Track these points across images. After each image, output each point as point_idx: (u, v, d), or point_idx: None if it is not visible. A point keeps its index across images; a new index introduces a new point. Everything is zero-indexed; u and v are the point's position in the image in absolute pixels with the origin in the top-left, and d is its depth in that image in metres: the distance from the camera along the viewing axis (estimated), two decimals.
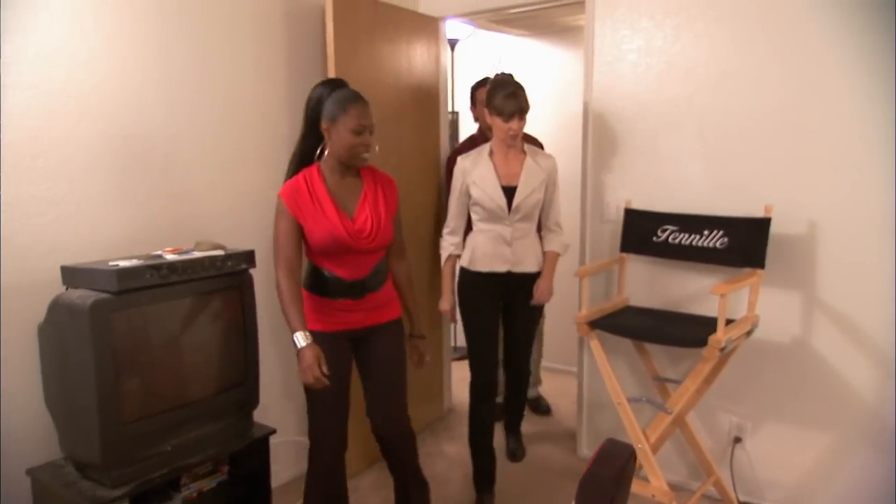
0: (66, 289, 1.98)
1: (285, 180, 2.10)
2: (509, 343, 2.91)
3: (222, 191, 2.64)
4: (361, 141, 1.96)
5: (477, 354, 2.76)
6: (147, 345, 2.11)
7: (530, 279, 2.66)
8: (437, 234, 3.69)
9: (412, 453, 2.30)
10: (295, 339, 1.95)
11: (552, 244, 2.74)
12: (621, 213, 2.92)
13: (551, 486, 2.95)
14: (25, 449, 2.10)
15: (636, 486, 2.54)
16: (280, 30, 2.80)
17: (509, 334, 2.87)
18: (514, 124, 2.46)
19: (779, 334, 2.54)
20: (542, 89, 4.35)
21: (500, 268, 2.61)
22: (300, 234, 2.01)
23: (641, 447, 2.47)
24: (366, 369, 2.24)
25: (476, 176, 2.59)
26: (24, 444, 2.09)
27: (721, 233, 2.59)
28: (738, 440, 2.76)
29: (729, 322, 2.37)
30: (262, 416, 2.44)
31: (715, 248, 2.60)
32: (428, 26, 3.39)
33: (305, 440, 2.67)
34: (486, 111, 2.56)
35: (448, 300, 2.82)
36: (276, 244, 2.03)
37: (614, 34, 2.87)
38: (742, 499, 2.74)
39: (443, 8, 3.44)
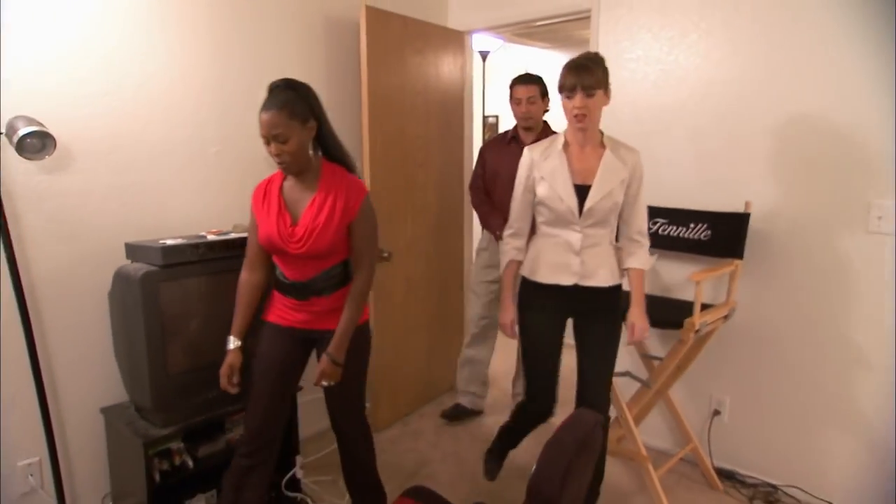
0: (130, 262, 2.11)
1: None
2: (580, 373, 2.18)
3: (257, 180, 2.73)
4: (270, 151, 1.75)
5: (530, 374, 2.25)
6: (189, 310, 2.20)
7: (603, 295, 2.08)
8: (460, 227, 3.74)
9: (368, 452, 2.10)
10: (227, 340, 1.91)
11: (636, 259, 2.09)
12: None
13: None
14: (100, 391, 2.26)
15: (620, 448, 2.66)
16: (321, 42, 2.87)
17: (580, 362, 2.18)
18: (576, 101, 1.90)
19: (757, 320, 2.52)
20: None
21: (566, 280, 2.05)
22: None
23: (625, 416, 2.47)
24: None
25: (545, 170, 2.03)
26: (99, 388, 2.25)
27: (705, 226, 2.60)
28: (716, 413, 2.76)
29: (708, 307, 2.40)
30: None
31: (699, 240, 2.61)
32: (455, 39, 3.40)
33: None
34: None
35: (509, 312, 2.21)
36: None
37: (616, 45, 2.87)
38: (717, 465, 2.73)
39: (469, 23, 3.49)
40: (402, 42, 2.98)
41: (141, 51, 2.25)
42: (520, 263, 2.18)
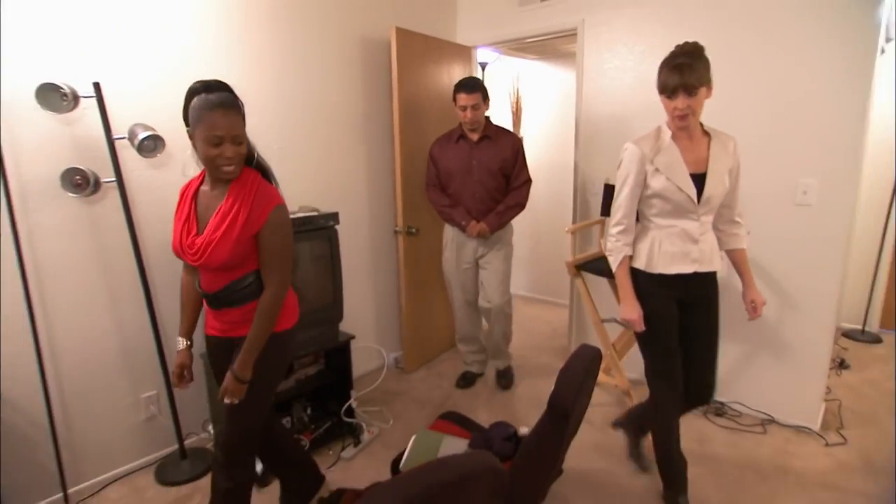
0: None
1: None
2: (693, 354, 1.98)
3: (316, 171, 2.93)
4: (220, 153, 1.48)
5: (662, 360, 2.00)
6: None
7: (712, 280, 1.96)
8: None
9: (227, 481, 1.71)
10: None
11: (740, 240, 1.97)
12: (602, 188, 3.08)
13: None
14: (199, 341, 2.20)
15: (606, 379, 2.85)
16: (357, 57, 3.06)
17: (694, 343, 1.97)
18: (678, 103, 1.72)
19: None
20: (548, 98, 4.58)
21: (687, 269, 1.88)
22: None
23: (610, 353, 2.72)
24: None
25: (661, 163, 1.82)
26: (198, 339, 2.19)
27: None
28: None
29: None
30: (346, 326, 2.77)
31: None
32: (463, 53, 3.55)
33: (376, 346, 3.08)
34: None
35: (635, 307, 1.93)
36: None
37: (598, 57, 3.05)
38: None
39: (473, 39, 3.65)
40: (423, 56, 3.18)
41: (221, 70, 2.47)
42: (630, 258, 1.98)
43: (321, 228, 2.57)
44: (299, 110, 2.83)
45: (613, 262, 1.98)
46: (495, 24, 3.53)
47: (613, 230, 1.97)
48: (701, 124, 1.87)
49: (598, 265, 2.92)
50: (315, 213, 2.57)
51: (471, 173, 2.93)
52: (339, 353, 2.76)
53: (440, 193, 3.02)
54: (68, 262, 2.15)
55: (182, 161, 2.37)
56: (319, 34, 2.87)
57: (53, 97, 1.95)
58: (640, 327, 1.95)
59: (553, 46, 4.12)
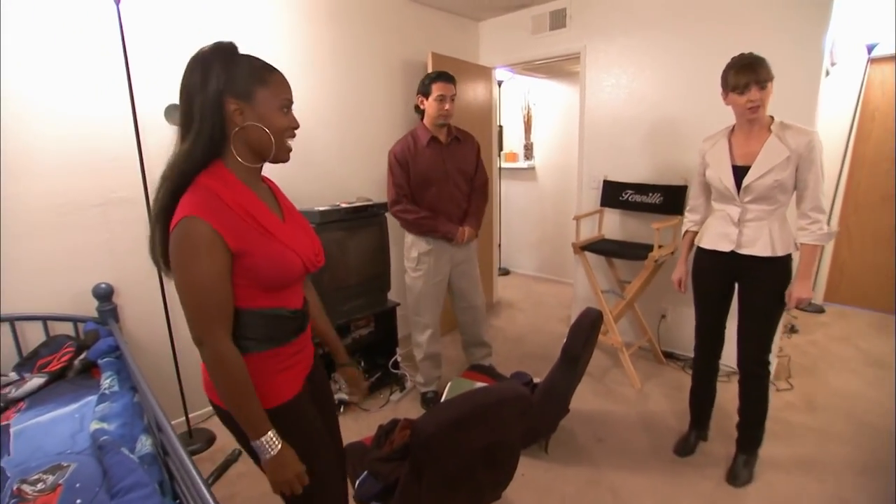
0: None
1: (158, 209, 0.95)
2: (739, 325, 1.91)
3: (370, 169, 3.02)
4: (290, 123, 1.01)
5: (698, 325, 2.07)
6: (335, 251, 2.50)
7: (762, 263, 1.80)
8: (490, 204, 3.64)
9: None
10: (264, 444, 0.97)
11: (806, 234, 1.75)
12: (601, 183, 3.15)
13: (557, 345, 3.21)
14: None
15: (604, 339, 2.86)
16: (400, 76, 3.14)
17: (740, 315, 1.91)
18: (752, 94, 1.67)
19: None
20: (555, 110, 4.63)
21: (724, 247, 1.86)
22: (229, 260, 0.93)
23: (607, 316, 2.79)
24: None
25: (711, 156, 1.88)
26: None
27: (659, 194, 2.88)
28: (663, 317, 3.06)
29: (661, 247, 2.64)
30: (392, 296, 2.90)
31: (655, 203, 2.90)
32: (484, 73, 3.59)
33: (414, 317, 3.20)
34: (722, 94, 1.79)
35: (679, 271, 2.08)
36: (201, 296, 0.91)
37: (598, 76, 3.11)
38: (663, 349, 3.05)
39: (493, 61, 3.70)
40: (454, 75, 3.23)
41: (294, 91, 2.63)
42: (695, 234, 2.04)
43: (374, 215, 2.69)
44: (355, 120, 2.95)
45: (681, 235, 2.14)
46: (511, 48, 3.58)
47: (685, 210, 2.13)
48: (773, 120, 1.76)
49: (597, 246, 2.99)
50: (370, 203, 2.69)
51: (448, 177, 2.41)
52: (386, 317, 2.90)
53: (413, 206, 2.39)
54: None
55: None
56: (369, 59, 2.98)
57: (175, 113, 2.13)
58: (679, 288, 2.10)
59: (560, 67, 4.16)
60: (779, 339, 2.70)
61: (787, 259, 1.80)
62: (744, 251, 1.82)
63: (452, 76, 2.36)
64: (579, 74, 3.24)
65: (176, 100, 0.95)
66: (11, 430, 1.58)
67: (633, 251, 2.82)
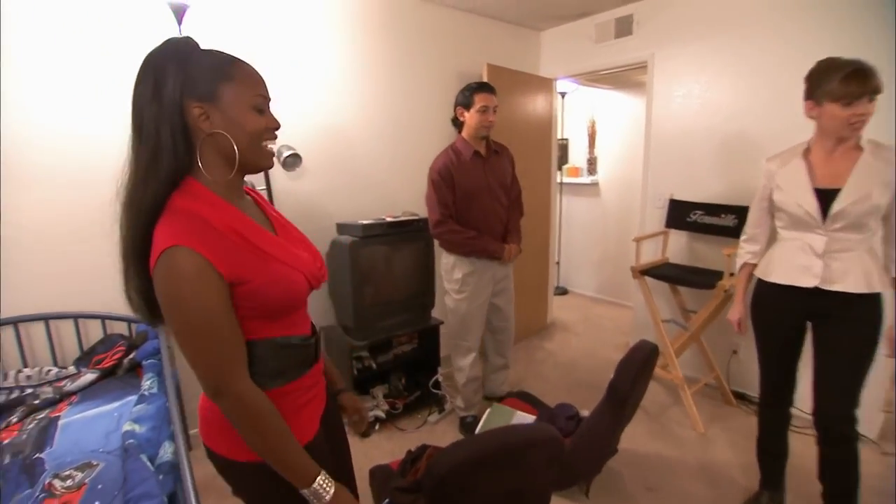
0: (339, 234, 2.49)
1: (127, 246, 0.80)
2: (817, 373, 1.62)
3: (419, 182, 2.84)
4: (267, 123, 0.86)
5: (764, 372, 1.80)
6: (378, 266, 2.50)
7: (852, 301, 1.52)
8: (547, 218, 3.70)
9: None
10: (317, 490, 0.85)
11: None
12: (667, 202, 2.96)
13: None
14: (319, 318, 2.64)
15: (663, 373, 2.71)
16: (454, 87, 2.87)
17: (816, 368, 1.62)
18: (860, 108, 1.41)
19: None
20: (620, 123, 4.43)
21: (805, 282, 1.57)
22: (228, 293, 0.79)
23: (667, 350, 2.57)
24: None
25: (781, 178, 1.63)
26: (318, 316, 2.64)
27: (733, 216, 2.63)
28: (734, 352, 2.79)
29: (732, 274, 2.38)
30: (437, 314, 2.79)
31: (728, 226, 2.64)
32: (545, 84, 3.50)
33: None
34: (806, 104, 1.55)
35: (738, 309, 1.84)
36: (206, 338, 0.78)
37: (667, 86, 2.94)
38: (733, 388, 2.77)
39: (554, 72, 3.59)
40: (510, 87, 3.16)
41: (351, 102, 2.64)
42: (754, 266, 1.79)
43: (420, 230, 2.64)
44: (407, 132, 2.95)
45: (736, 267, 1.87)
46: (574, 58, 3.46)
47: (741, 238, 1.85)
48: (860, 137, 1.54)
49: (660, 271, 2.80)
50: (415, 217, 2.65)
51: (491, 192, 2.32)
52: (429, 335, 2.84)
53: (458, 226, 2.26)
54: None
55: (313, 172, 2.58)
56: (424, 70, 2.97)
57: None
58: (739, 330, 1.86)
59: (625, 77, 3.99)
60: (886, 392, 2.33)
61: (878, 296, 1.54)
62: (832, 287, 1.54)
63: (493, 87, 2.29)
64: (646, 85, 3.08)
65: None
66: (60, 423, 1.66)
67: (700, 278, 2.63)
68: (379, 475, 1.72)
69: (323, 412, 1.03)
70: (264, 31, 2.35)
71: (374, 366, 2.67)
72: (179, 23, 1.98)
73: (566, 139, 4.82)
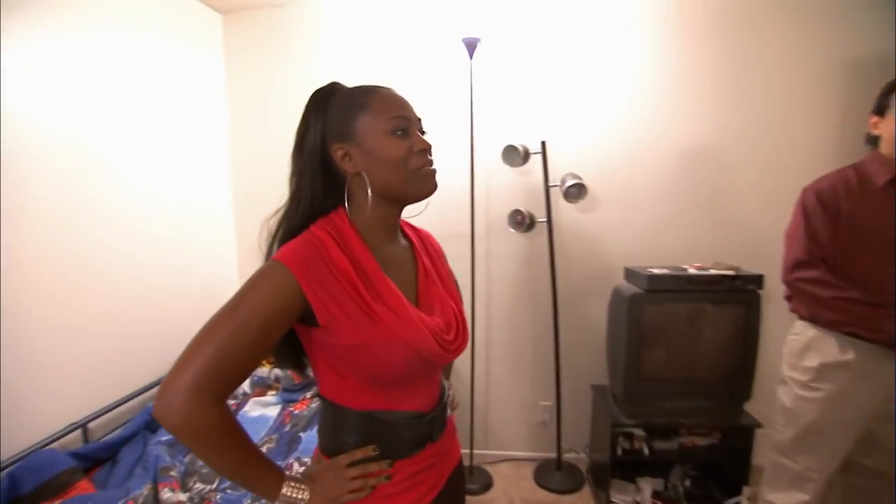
0: (626, 281, 2.12)
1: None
2: None
3: (744, 224, 2.24)
4: (412, 146, 0.78)
5: None
6: (665, 330, 2.04)
7: None
8: None
9: None
10: (290, 496, 0.74)
11: None
12: None
13: None
14: (593, 372, 2.35)
15: None
16: (838, 85, 2.13)
17: None
18: None
19: None
20: None
21: None
22: (284, 330, 0.72)
23: None
24: None
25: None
26: (593, 369, 2.35)
27: None
28: None
29: None
30: (756, 410, 2.03)
31: None
32: None
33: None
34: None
35: None
36: (226, 333, 0.68)
37: None
38: None
39: None
40: None
41: (648, 120, 2.23)
42: None
43: (740, 291, 1.96)
44: (745, 152, 2.22)
45: None
46: None
47: None
48: None
49: None
50: (732, 273, 1.97)
51: None
52: (738, 435, 2.07)
53: (828, 275, 1.48)
54: (508, 279, 2.42)
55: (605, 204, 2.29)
56: (780, 65, 2.15)
57: (512, 154, 2.19)
58: None
59: None
60: None
61: None
62: None
63: None
64: None
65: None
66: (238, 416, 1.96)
67: None
68: None
69: (436, 496, 0.87)
70: (554, 56, 2.26)
71: (646, 451, 2.13)
72: (470, 55, 2.09)
73: None
